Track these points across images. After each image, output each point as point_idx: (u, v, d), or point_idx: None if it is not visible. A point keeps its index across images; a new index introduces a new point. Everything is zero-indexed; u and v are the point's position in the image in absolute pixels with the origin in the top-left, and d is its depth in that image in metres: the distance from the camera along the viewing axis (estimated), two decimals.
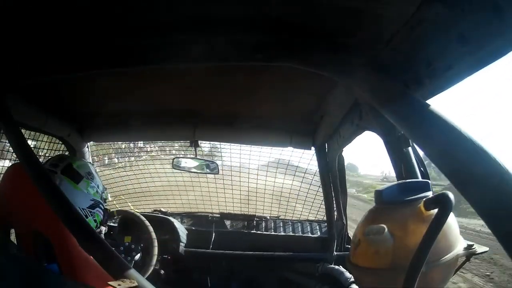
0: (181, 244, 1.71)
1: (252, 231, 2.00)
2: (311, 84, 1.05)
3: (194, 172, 1.99)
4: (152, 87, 1.18)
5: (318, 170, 1.75)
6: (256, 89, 1.16)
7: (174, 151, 2.65)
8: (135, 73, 1.01)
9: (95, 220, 1.01)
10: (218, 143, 2.20)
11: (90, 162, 1.14)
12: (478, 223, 8.50)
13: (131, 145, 2.84)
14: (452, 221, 0.58)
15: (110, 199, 1.24)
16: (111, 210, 1.64)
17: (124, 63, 0.79)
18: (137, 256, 1.43)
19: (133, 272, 0.65)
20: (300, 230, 2.04)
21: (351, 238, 1.13)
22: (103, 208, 1.05)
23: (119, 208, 1.84)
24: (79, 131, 1.61)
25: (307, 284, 1.74)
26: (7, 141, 1.08)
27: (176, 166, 1.93)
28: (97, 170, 1.18)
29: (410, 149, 0.81)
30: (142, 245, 1.48)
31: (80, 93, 1.24)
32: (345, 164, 1.56)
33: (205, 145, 2.46)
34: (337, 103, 1.08)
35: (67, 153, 1.65)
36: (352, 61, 0.72)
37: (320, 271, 1.68)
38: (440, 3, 0.50)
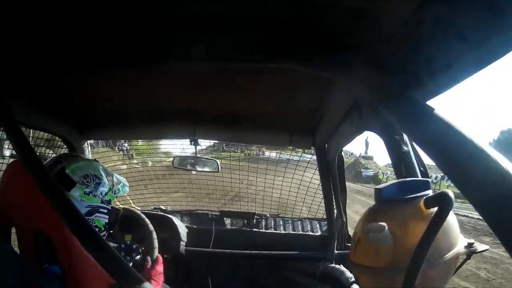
0: (181, 242, 1.70)
1: (252, 229, 2.00)
2: (311, 84, 1.05)
3: (195, 171, 1.99)
4: (152, 86, 1.18)
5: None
6: (256, 89, 1.16)
7: None
8: (135, 72, 1.01)
9: (96, 226, 0.94)
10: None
11: (94, 160, 1.07)
12: None
13: None
14: (452, 219, 0.59)
15: (124, 194, 1.10)
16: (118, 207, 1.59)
17: (124, 64, 0.79)
18: (138, 258, 1.42)
19: (133, 272, 0.66)
20: (300, 228, 2.04)
21: (351, 236, 1.14)
22: (106, 211, 0.97)
23: (120, 205, 1.83)
24: (79, 130, 1.61)
25: (308, 283, 1.74)
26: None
27: (176, 164, 1.93)
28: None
29: (410, 149, 0.82)
30: (143, 248, 1.46)
31: (80, 91, 1.24)
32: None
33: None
34: (337, 103, 1.08)
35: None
36: (352, 61, 0.72)
37: (321, 270, 1.69)
38: (439, 2, 0.50)
